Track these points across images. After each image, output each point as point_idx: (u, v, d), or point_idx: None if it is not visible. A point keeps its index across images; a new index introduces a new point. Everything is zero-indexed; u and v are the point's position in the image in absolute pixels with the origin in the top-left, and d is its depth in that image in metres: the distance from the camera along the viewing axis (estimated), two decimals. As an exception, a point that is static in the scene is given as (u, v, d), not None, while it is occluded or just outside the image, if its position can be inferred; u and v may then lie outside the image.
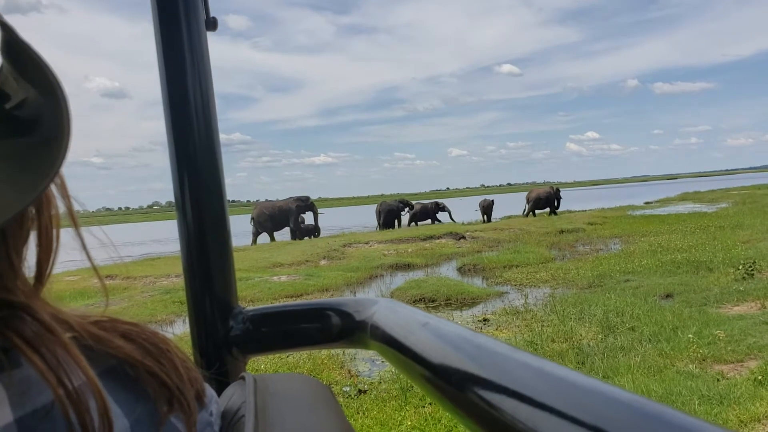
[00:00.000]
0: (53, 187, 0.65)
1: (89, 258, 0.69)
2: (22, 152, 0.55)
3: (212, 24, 1.37)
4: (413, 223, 41.03)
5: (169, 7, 1.32)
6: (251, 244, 34.59)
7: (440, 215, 42.07)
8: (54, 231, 0.65)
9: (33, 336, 0.58)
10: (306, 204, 37.34)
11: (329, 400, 0.89)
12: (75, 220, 0.66)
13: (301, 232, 37.06)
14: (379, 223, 39.35)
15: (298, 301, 1.64)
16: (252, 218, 37.20)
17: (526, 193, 43.71)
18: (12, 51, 0.57)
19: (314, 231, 37.71)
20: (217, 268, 1.39)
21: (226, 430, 0.80)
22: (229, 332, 1.39)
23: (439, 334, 0.90)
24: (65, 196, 0.66)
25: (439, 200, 44.70)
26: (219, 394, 0.96)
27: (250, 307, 1.45)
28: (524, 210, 42.28)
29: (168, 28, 1.33)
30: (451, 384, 0.78)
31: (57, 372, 0.56)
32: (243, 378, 0.94)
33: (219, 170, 1.39)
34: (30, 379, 0.56)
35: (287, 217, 36.58)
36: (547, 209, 41.90)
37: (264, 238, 37.20)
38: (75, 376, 0.57)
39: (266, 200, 38.18)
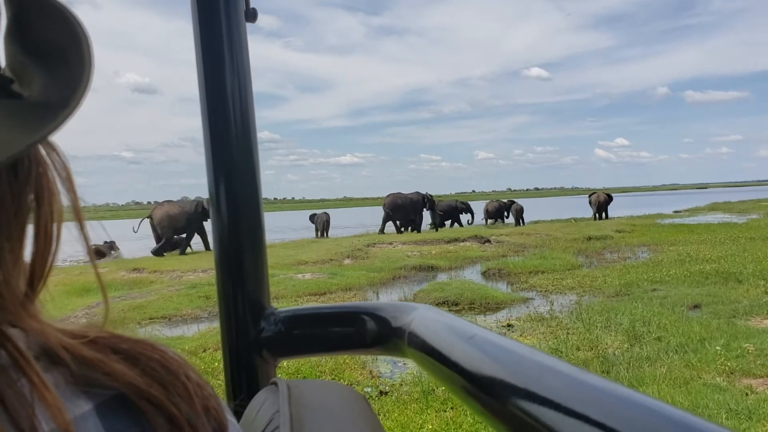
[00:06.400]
0: (57, 180, 0.57)
1: (92, 258, 0.62)
2: (17, 110, 0.48)
3: (252, 15, 1.32)
4: (489, 220, 42.94)
5: None
6: (379, 232, 36.56)
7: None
8: (55, 227, 0.57)
9: None
10: (430, 200, 39.10)
11: (367, 412, 0.84)
12: (79, 215, 0.59)
13: (416, 225, 39.02)
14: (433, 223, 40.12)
15: (332, 304, 1.61)
16: (383, 206, 39.01)
17: (588, 196, 44.29)
18: (22, 29, 0.50)
19: (434, 225, 39.60)
20: (250, 267, 1.35)
21: None
22: (260, 333, 1.35)
23: (484, 346, 0.85)
24: (70, 189, 0.58)
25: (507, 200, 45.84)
26: (249, 398, 0.93)
27: (283, 308, 1.42)
28: (594, 214, 42.70)
29: (206, 17, 1.28)
30: (495, 398, 0.75)
31: (18, 420, 0.46)
32: (275, 384, 0.89)
33: (255, 167, 1.34)
34: None
35: (414, 209, 38.23)
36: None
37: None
38: (45, 420, 0.47)
39: (398, 192, 39.85)
